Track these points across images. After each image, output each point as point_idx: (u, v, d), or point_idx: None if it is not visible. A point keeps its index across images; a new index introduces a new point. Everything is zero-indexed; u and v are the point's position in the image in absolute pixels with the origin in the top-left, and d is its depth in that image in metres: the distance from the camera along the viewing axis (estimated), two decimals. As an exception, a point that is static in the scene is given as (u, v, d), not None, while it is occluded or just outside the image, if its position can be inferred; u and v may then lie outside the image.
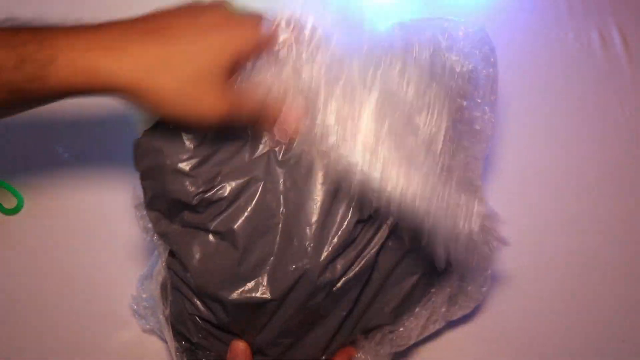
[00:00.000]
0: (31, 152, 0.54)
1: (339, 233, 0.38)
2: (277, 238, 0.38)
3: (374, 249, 0.39)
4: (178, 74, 0.32)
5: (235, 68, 0.34)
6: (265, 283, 0.38)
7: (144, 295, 0.46)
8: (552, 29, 0.61)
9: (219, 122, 0.35)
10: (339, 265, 0.38)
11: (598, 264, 0.53)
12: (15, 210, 0.52)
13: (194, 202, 0.38)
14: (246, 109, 0.35)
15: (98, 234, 0.52)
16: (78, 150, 0.54)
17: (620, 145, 0.57)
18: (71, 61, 0.30)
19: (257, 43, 0.35)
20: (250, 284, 0.38)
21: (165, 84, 0.32)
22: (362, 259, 0.39)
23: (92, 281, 0.51)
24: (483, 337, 0.50)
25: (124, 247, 0.51)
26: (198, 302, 0.40)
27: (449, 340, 0.50)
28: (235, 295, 0.38)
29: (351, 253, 0.39)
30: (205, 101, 0.33)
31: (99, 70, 0.31)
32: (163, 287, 0.42)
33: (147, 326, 0.47)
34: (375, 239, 0.40)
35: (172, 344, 0.41)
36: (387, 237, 0.40)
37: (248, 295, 0.38)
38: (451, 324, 0.49)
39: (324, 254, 0.38)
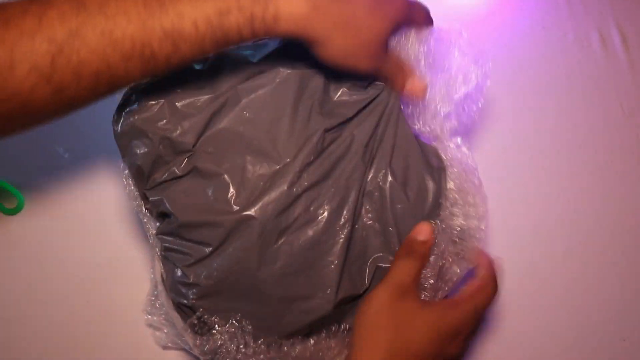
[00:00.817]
0: (31, 152, 0.54)
1: (308, 143, 0.40)
2: (247, 156, 0.40)
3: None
4: (354, 38, 0.38)
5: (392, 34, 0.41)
6: (243, 202, 0.39)
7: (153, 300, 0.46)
8: (552, 29, 0.61)
9: (367, 73, 0.41)
10: (310, 172, 0.40)
11: (598, 264, 0.53)
12: (15, 211, 0.52)
13: (161, 147, 0.40)
14: (389, 70, 0.42)
15: (98, 234, 0.52)
16: (78, 151, 0.54)
17: (620, 145, 0.57)
18: (290, 15, 0.36)
19: (410, 18, 0.42)
20: (230, 207, 0.39)
21: (342, 44, 0.38)
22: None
23: (92, 281, 0.50)
24: (480, 337, 0.50)
25: (125, 247, 0.51)
26: (186, 244, 0.40)
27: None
28: (219, 218, 0.39)
29: (324, 162, 0.41)
30: (366, 60, 0.40)
31: (302, 23, 0.36)
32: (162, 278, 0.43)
33: (153, 318, 0.47)
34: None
35: (177, 320, 0.42)
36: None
37: (231, 217, 0.39)
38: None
39: (296, 163, 0.40)
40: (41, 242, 0.52)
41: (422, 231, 0.41)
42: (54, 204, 0.53)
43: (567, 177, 0.56)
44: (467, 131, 0.51)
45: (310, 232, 0.40)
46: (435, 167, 0.43)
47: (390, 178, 0.42)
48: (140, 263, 0.50)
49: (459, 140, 0.45)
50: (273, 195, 0.39)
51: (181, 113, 0.41)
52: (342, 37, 0.38)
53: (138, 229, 0.51)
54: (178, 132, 0.40)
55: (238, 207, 0.39)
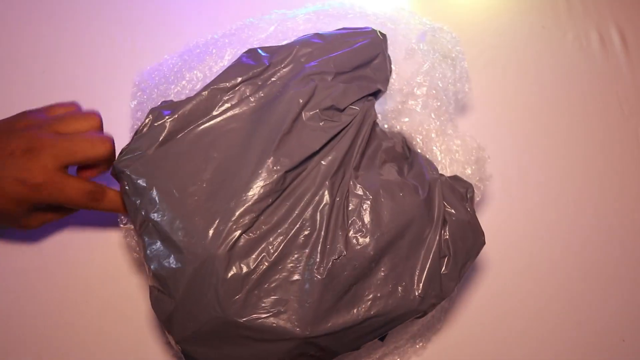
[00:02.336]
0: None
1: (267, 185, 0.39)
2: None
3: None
4: None
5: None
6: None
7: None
8: (552, 29, 0.61)
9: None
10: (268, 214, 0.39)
11: (597, 264, 0.53)
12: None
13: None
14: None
15: (98, 233, 0.52)
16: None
17: (620, 145, 0.57)
18: None
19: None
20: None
21: None
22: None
23: (91, 281, 0.50)
24: (480, 338, 0.50)
25: (125, 246, 0.51)
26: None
27: (450, 339, 0.50)
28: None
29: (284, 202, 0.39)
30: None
31: None
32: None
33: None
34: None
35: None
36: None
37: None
38: (446, 326, 0.50)
39: (254, 206, 0.39)
40: (40, 241, 0.51)
41: None
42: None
43: (566, 177, 0.56)
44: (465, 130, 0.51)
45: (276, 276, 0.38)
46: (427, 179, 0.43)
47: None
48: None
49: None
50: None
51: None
52: None
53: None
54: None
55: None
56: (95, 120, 0.44)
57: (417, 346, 0.47)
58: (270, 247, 0.38)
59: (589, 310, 0.51)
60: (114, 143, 0.43)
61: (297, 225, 0.39)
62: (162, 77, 0.48)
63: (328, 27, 0.50)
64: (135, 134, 0.43)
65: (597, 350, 0.50)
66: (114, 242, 0.51)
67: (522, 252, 0.53)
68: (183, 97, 0.46)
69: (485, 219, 0.48)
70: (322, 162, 0.41)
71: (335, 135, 0.42)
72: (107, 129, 0.45)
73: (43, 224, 0.46)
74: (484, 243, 0.42)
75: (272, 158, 0.40)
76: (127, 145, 0.42)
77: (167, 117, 0.42)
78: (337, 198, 0.40)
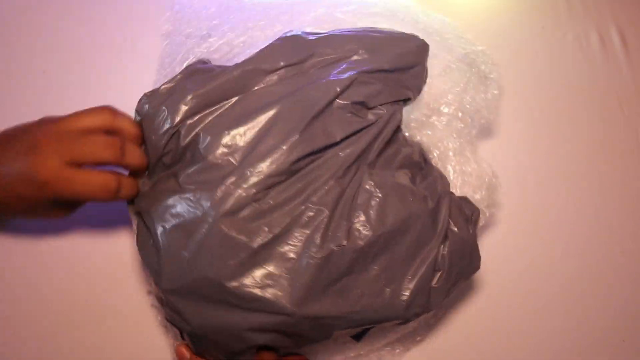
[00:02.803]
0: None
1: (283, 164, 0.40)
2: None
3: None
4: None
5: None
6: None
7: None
8: (552, 30, 0.61)
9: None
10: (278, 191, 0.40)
11: (597, 264, 0.53)
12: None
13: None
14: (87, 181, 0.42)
15: (99, 232, 0.52)
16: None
17: (620, 145, 0.57)
18: None
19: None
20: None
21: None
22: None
23: (92, 281, 0.50)
24: (479, 338, 0.50)
25: (126, 244, 0.51)
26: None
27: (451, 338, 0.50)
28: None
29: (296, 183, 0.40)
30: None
31: None
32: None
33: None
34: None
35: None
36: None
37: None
38: (447, 323, 0.50)
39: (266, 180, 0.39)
40: (40, 242, 0.51)
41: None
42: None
43: (566, 177, 0.56)
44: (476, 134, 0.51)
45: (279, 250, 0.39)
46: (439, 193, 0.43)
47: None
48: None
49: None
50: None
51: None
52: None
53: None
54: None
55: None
56: (107, 115, 0.42)
57: (396, 351, 0.48)
58: (273, 222, 0.39)
59: (588, 311, 0.51)
60: (122, 148, 0.42)
61: (303, 207, 0.39)
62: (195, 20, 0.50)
63: (375, 25, 0.51)
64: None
65: (598, 351, 0.50)
66: (118, 242, 0.51)
67: (521, 253, 0.53)
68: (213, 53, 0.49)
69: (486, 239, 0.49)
70: (340, 153, 0.41)
71: (358, 131, 0.42)
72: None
73: (74, 211, 0.45)
74: (478, 268, 0.43)
75: (297, 137, 0.40)
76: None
77: (189, 95, 0.42)
78: (348, 190, 0.40)
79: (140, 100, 0.44)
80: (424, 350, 0.48)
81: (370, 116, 0.43)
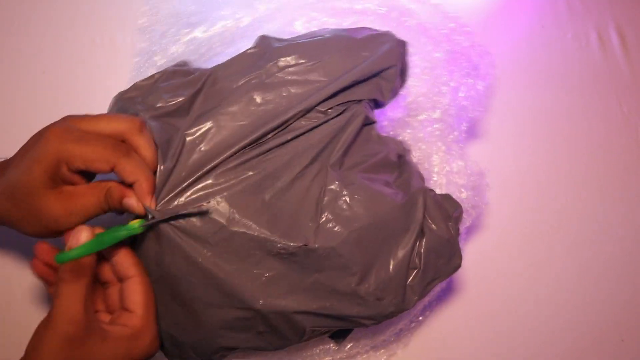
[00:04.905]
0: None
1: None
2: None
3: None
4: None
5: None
6: None
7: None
8: (551, 29, 0.61)
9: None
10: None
11: (597, 264, 0.53)
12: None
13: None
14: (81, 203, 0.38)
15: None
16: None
17: (620, 145, 0.57)
18: None
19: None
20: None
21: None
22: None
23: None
24: (479, 338, 0.50)
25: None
26: None
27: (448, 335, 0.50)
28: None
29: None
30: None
31: None
32: None
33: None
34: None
35: None
36: None
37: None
38: (441, 320, 0.50)
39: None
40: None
41: (74, 237, 0.35)
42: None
43: (566, 177, 0.56)
44: (465, 132, 0.51)
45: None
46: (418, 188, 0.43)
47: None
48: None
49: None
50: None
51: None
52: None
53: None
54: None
55: None
56: (134, 125, 0.39)
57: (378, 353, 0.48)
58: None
59: (588, 311, 0.51)
60: (139, 125, 0.39)
61: (264, 200, 0.39)
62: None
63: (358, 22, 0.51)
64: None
65: (597, 350, 0.50)
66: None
67: (520, 253, 0.53)
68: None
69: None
70: (299, 147, 0.41)
71: (316, 126, 0.42)
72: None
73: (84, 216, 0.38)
74: (460, 266, 0.42)
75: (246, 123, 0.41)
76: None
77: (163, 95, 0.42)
78: (311, 189, 0.40)
79: (115, 96, 0.43)
80: (411, 353, 0.49)
81: (331, 112, 0.42)
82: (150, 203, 0.37)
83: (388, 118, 0.50)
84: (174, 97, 0.41)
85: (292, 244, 0.38)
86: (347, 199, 0.40)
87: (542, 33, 0.61)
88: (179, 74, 0.44)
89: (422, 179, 0.45)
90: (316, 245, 0.38)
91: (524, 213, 0.54)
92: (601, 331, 0.51)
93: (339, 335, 0.44)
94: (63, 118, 0.39)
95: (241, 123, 0.41)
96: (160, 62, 0.50)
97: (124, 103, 0.42)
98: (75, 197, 0.37)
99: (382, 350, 0.48)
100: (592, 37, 0.61)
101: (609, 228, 0.54)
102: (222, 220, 0.38)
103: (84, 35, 0.57)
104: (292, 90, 0.42)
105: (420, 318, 0.48)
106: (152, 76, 0.44)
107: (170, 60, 0.50)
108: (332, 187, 0.40)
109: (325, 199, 0.40)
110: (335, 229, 0.39)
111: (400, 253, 0.40)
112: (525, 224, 0.53)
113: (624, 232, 0.54)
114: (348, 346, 0.46)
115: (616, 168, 0.56)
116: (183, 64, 0.47)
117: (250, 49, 0.45)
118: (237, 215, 0.38)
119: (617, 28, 0.61)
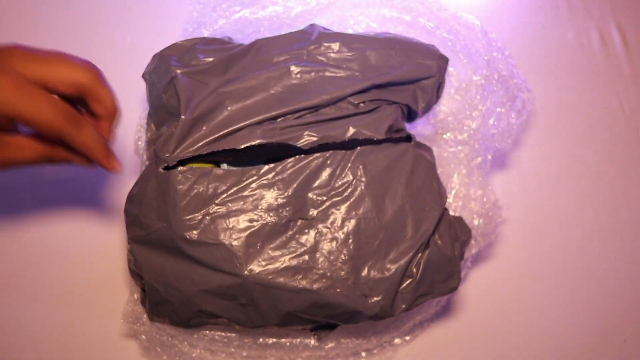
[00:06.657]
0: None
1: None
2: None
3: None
4: None
5: None
6: None
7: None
8: (552, 29, 0.61)
9: None
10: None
11: (598, 264, 0.53)
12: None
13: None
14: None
15: (99, 231, 0.52)
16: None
17: (620, 145, 0.57)
18: None
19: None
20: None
21: None
22: None
23: (91, 280, 0.50)
24: (479, 338, 0.50)
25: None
26: None
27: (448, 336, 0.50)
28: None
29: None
30: None
31: None
32: None
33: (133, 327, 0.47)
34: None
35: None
36: None
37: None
38: (441, 322, 0.50)
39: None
40: (40, 241, 0.51)
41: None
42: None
43: (566, 177, 0.55)
44: (490, 161, 0.51)
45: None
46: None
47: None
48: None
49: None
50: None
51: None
52: None
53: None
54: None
55: None
56: (91, 75, 0.36)
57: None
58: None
59: (589, 311, 0.51)
60: (99, 75, 0.37)
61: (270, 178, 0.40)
62: None
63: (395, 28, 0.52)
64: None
65: (598, 351, 0.50)
66: (109, 243, 0.51)
67: (521, 253, 0.53)
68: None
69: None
70: (332, 132, 0.41)
71: (343, 117, 0.42)
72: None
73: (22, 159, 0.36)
74: (456, 288, 0.42)
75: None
76: None
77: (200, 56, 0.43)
78: (329, 168, 0.41)
79: (155, 54, 0.45)
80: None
81: (363, 107, 0.43)
82: (116, 165, 0.38)
83: (419, 133, 0.50)
84: (209, 58, 0.43)
85: (294, 216, 0.39)
86: (362, 187, 0.40)
87: (543, 33, 0.61)
88: (218, 42, 0.45)
89: (445, 196, 0.44)
90: (317, 218, 0.39)
91: (522, 214, 0.54)
92: (603, 332, 0.50)
93: (322, 330, 0.44)
94: (6, 49, 0.35)
95: (272, 92, 0.41)
96: (206, 34, 0.51)
97: (160, 60, 0.43)
98: (8, 148, 0.35)
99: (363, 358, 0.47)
100: (594, 37, 0.61)
101: (609, 228, 0.54)
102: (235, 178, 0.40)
103: (85, 34, 0.58)
104: (328, 74, 0.42)
105: (407, 338, 0.48)
106: (193, 39, 0.45)
107: (215, 35, 0.51)
108: (354, 170, 0.41)
109: (339, 180, 0.40)
110: (337, 211, 0.40)
111: (400, 257, 0.40)
112: (524, 225, 0.53)
113: (625, 232, 0.54)
114: (329, 345, 0.46)
115: (617, 168, 0.56)
116: (228, 39, 0.47)
117: (298, 31, 0.46)
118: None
119: (619, 28, 0.61)
